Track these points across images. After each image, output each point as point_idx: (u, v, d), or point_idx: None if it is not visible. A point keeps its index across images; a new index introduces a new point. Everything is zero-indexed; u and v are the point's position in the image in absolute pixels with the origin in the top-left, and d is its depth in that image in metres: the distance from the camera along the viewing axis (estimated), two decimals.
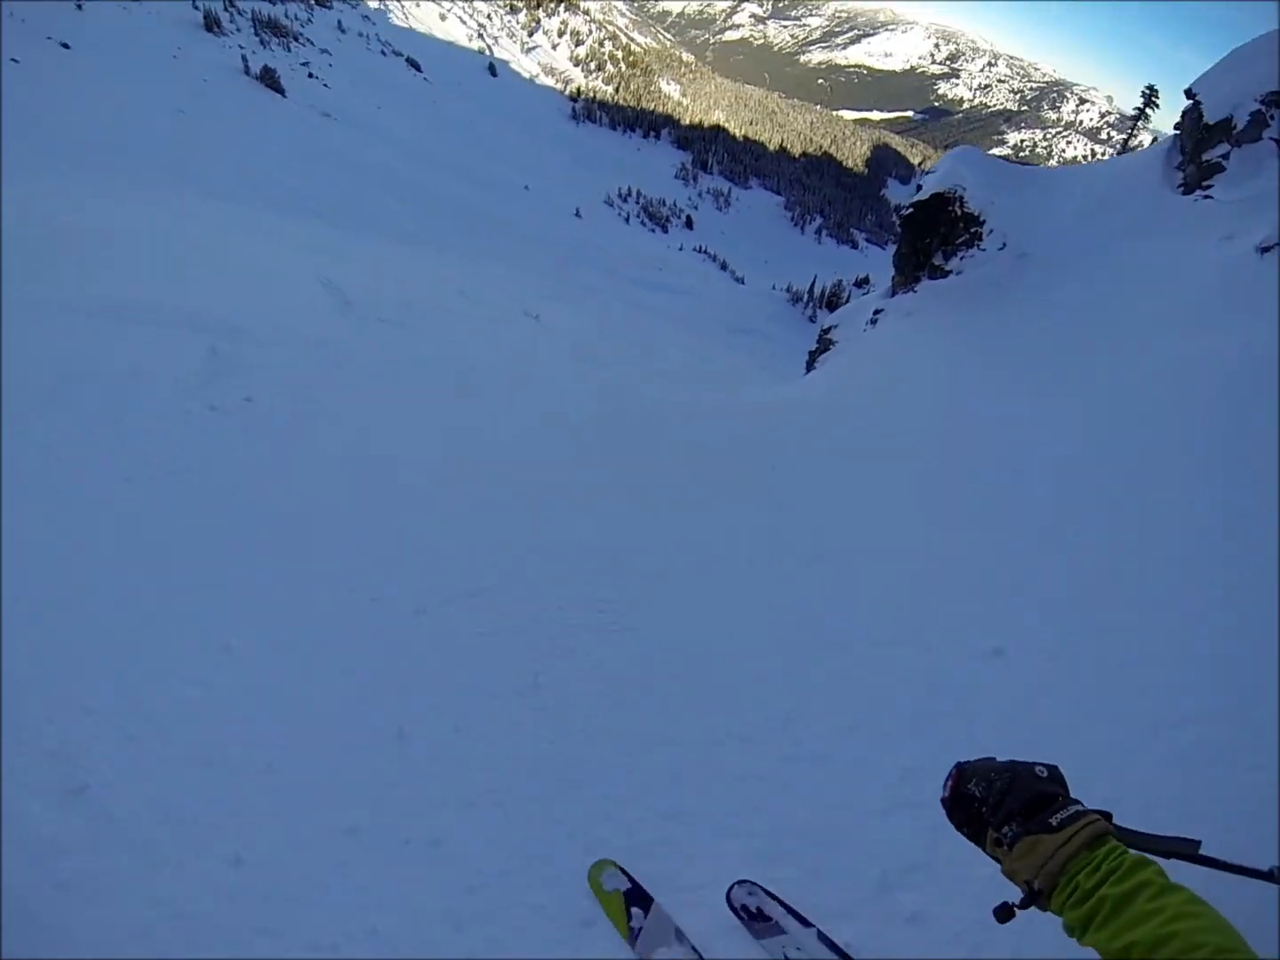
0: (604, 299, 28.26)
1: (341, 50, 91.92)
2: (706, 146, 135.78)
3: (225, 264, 10.12)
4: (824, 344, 15.33)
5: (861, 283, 71.57)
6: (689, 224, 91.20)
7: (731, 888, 2.23)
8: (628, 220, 76.19)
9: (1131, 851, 0.90)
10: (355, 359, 7.31)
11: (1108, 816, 0.97)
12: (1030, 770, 1.01)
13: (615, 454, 6.21)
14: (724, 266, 68.71)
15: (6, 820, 2.26)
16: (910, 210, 11.43)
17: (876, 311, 12.66)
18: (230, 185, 30.32)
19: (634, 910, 2.19)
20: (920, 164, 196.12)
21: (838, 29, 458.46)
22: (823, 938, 2.06)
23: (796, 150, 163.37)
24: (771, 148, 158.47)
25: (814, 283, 60.02)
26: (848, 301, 64.26)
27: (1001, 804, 0.99)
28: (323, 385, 6.31)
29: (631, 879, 2.29)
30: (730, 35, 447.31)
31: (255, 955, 2.09)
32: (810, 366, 15.37)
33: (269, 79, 65.62)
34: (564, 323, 18.40)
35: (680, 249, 69.90)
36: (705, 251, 72.70)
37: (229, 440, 5.03)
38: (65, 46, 48.70)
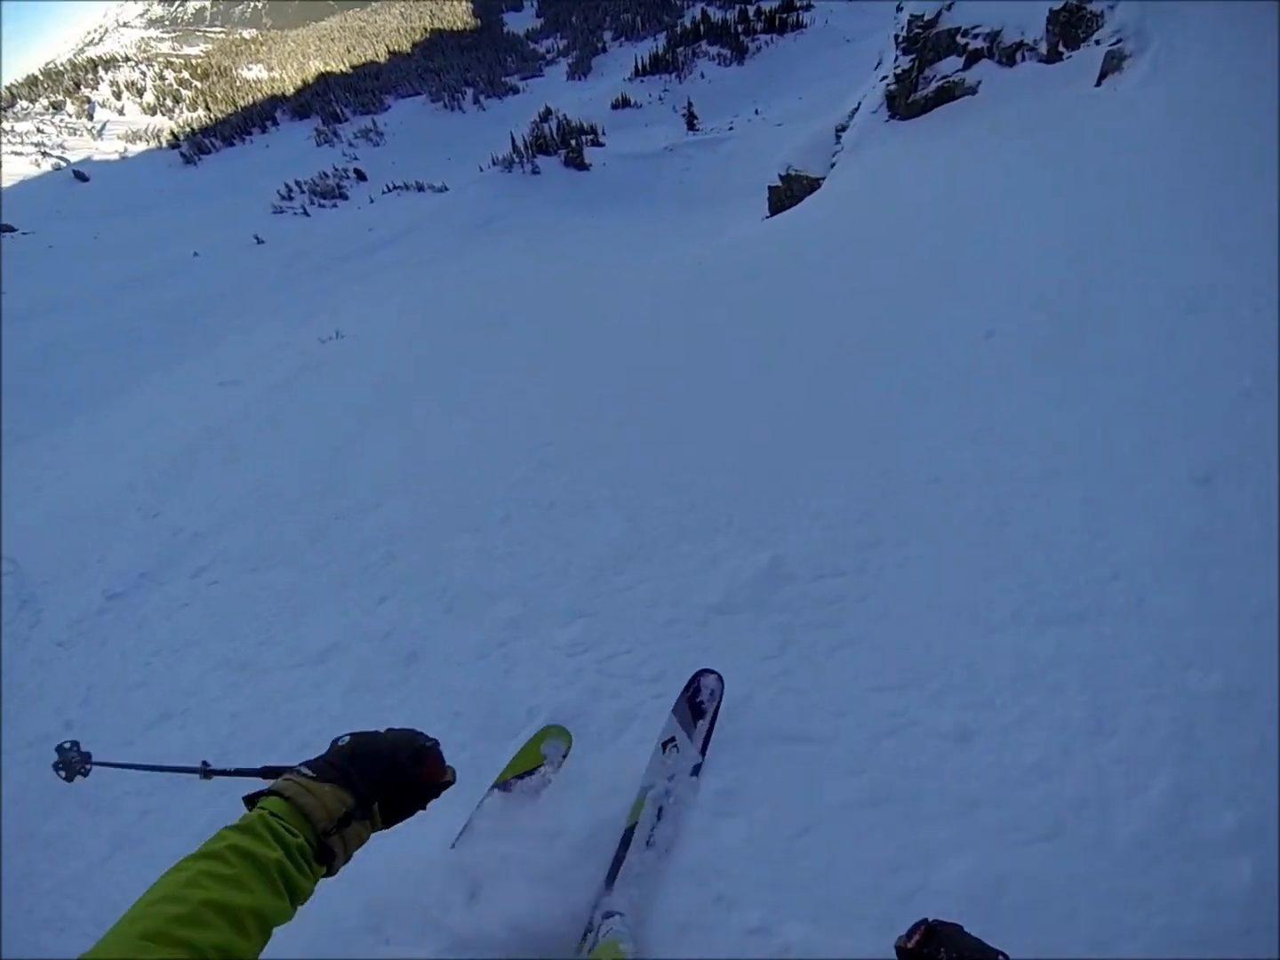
0: (349, 294, 22.73)
1: None
2: (325, 101, 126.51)
3: None
4: (790, 191, 15.44)
5: (545, 116, 67.41)
6: (361, 176, 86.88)
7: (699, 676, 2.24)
8: (306, 211, 69.74)
9: None
10: None
11: None
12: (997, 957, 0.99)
13: None
14: (420, 188, 65.35)
15: None
16: None
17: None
18: None
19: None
20: None
21: None
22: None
23: (406, 46, 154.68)
24: (383, 60, 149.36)
25: (512, 140, 57.81)
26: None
27: None
28: None
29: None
30: None
31: None
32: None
33: None
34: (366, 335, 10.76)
35: (371, 201, 65.30)
36: (392, 188, 69.42)
37: None
38: None
